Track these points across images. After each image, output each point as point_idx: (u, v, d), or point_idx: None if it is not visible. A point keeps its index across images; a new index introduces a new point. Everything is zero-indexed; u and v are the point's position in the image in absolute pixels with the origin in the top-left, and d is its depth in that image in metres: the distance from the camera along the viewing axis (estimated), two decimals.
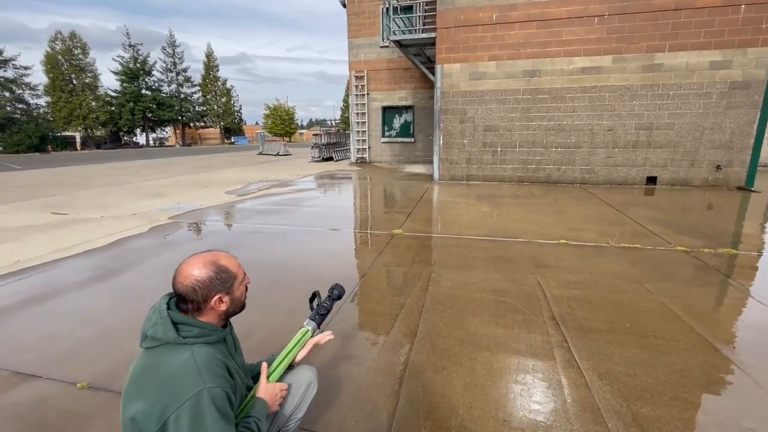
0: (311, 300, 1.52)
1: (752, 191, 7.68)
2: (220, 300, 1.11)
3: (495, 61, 8.53)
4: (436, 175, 9.49)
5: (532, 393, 1.89)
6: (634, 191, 7.85)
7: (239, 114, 55.21)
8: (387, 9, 10.16)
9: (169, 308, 1.08)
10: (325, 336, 1.46)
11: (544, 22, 8.07)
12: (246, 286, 1.22)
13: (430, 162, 9.76)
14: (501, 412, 1.77)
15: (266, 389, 1.21)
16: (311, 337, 1.43)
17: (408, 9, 11.80)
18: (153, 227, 5.16)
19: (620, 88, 8.03)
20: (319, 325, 1.47)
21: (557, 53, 8.16)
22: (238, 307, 1.20)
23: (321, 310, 1.48)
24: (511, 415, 1.75)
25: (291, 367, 1.40)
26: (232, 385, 1.05)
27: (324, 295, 1.56)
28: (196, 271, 1.07)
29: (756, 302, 2.88)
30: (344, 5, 14.22)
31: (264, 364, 1.28)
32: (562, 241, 4.39)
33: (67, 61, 35.62)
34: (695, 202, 6.78)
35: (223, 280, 1.11)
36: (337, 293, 1.55)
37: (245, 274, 1.21)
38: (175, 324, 1.04)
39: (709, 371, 2.04)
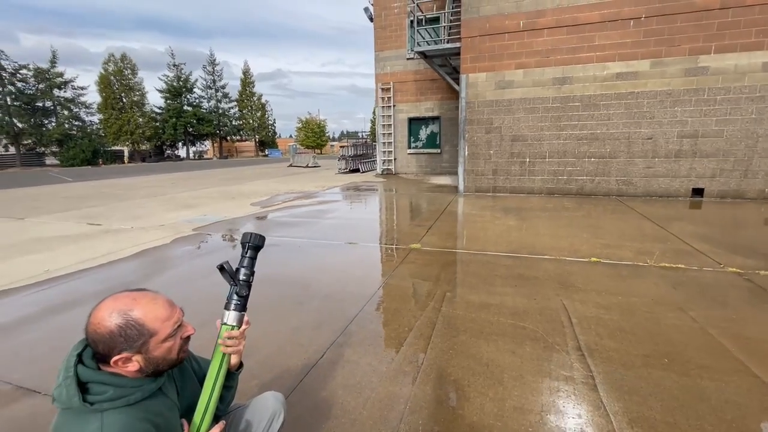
0: (221, 272, 1.10)
1: None
2: (126, 359, 0.90)
3: (522, 69, 8.24)
4: (461, 187, 9.23)
5: None
6: (678, 204, 7.24)
7: (273, 127, 57.15)
8: (412, 21, 10.15)
9: (80, 359, 0.90)
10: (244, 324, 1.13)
11: (574, 27, 7.73)
12: (184, 339, 1.00)
13: (457, 173, 9.52)
14: None
15: None
16: (238, 330, 1.10)
17: (434, 20, 11.74)
18: (176, 239, 5.27)
19: (660, 94, 7.50)
20: (243, 309, 1.11)
21: (589, 59, 7.76)
22: (165, 365, 0.96)
23: (241, 287, 1.10)
24: None
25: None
26: None
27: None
28: (101, 319, 0.89)
29: None
30: (371, 19, 14.40)
31: (184, 424, 1.03)
32: (593, 259, 4.04)
33: (117, 81, 38.35)
34: (749, 217, 6.13)
35: (128, 337, 0.89)
36: (252, 246, 1.13)
37: (179, 327, 0.98)
38: (83, 384, 0.87)
39: (767, 421, 1.72)
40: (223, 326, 1.10)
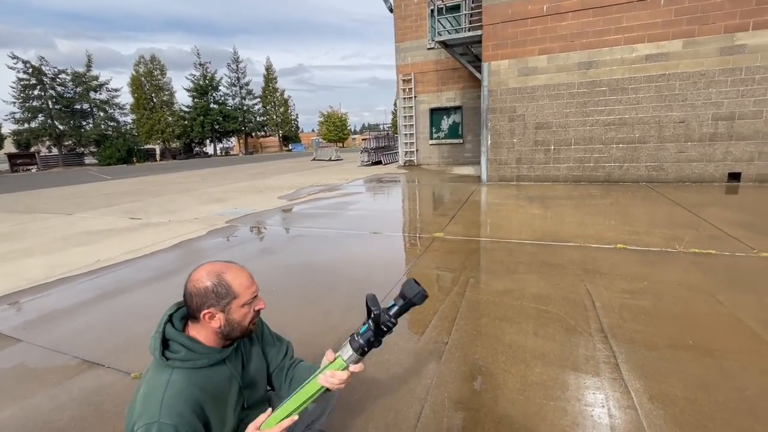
0: (368, 308, 1.03)
1: None
2: (212, 315, 1.05)
3: (546, 54, 8.06)
4: (484, 177, 9.19)
5: (568, 411, 1.73)
6: (712, 189, 6.96)
7: (296, 122, 57.94)
8: (432, 10, 10.08)
9: (171, 319, 1.09)
10: (355, 368, 1.08)
11: (600, 9, 7.48)
12: (256, 311, 1.13)
13: (479, 163, 9.47)
14: (532, 430, 1.65)
15: None
16: (345, 369, 1.05)
17: (454, 8, 11.60)
18: (211, 230, 5.57)
19: (693, 75, 7.19)
20: (362, 355, 1.03)
21: (617, 41, 7.51)
22: (237, 331, 1.10)
23: (376, 333, 1.02)
24: None
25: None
26: (193, 426, 0.96)
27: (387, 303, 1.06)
28: (200, 278, 1.06)
29: None
30: (391, 10, 14.35)
31: (266, 413, 1.06)
32: (619, 245, 4.01)
33: (148, 81, 39.86)
34: None
35: (218, 295, 1.05)
36: (404, 304, 1.02)
37: (255, 298, 1.12)
38: (166, 340, 1.05)
39: None
40: (338, 359, 1.04)
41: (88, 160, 35.79)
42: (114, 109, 37.29)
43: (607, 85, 7.77)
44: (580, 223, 5.01)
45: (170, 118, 41.03)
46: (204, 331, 1.09)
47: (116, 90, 37.19)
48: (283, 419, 1.03)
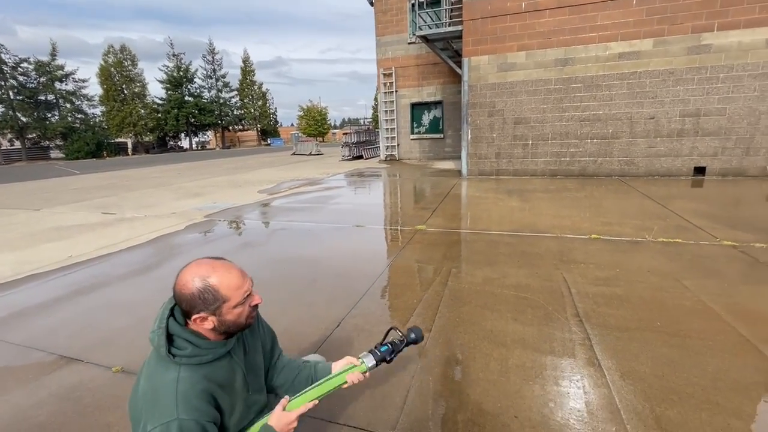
0: (387, 333, 1.40)
1: None
2: (203, 319, 1.03)
3: (524, 51, 8.23)
4: (464, 171, 9.33)
5: (547, 390, 1.82)
6: (680, 183, 7.32)
7: (274, 116, 56.94)
8: (413, 4, 10.09)
9: (172, 313, 1.07)
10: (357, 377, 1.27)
11: (576, 8, 7.69)
12: (252, 307, 1.13)
13: (460, 158, 9.60)
14: (512, 408, 1.73)
15: (279, 418, 1.12)
16: (365, 373, 1.29)
17: (435, 3, 11.63)
18: (189, 225, 5.46)
19: (662, 73, 7.50)
20: (377, 364, 1.30)
21: (591, 39, 7.74)
22: (235, 328, 1.10)
23: (388, 354, 1.31)
24: (523, 412, 1.70)
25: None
26: (211, 416, 1.00)
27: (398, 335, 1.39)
28: (185, 282, 1.03)
29: None
30: (371, 3, 14.27)
31: (285, 398, 1.18)
32: (593, 236, 4.18)
33: (118, 72, 38.23)
34: (750, 194, 6.22)
35: (205, 301, 1.02)
36: (413, 337, 1.37)
37: (249, 295, 1.11)
38: (170, 335, 1.03)
39: (749, 374, 1.88)
40: (363, 365, 1.29)
41: (55, 154, 34.13)
42: (82, 101, 35.57)
43: (582, 81, 8.01)
44: (557, 215, 5.18)
45: (143, 111, 39.55)
46: (203, 329, 1.08)
47: (84, 81, 35.47)
48: (308, 402, 1.17)
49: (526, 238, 4.21)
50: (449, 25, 9.74)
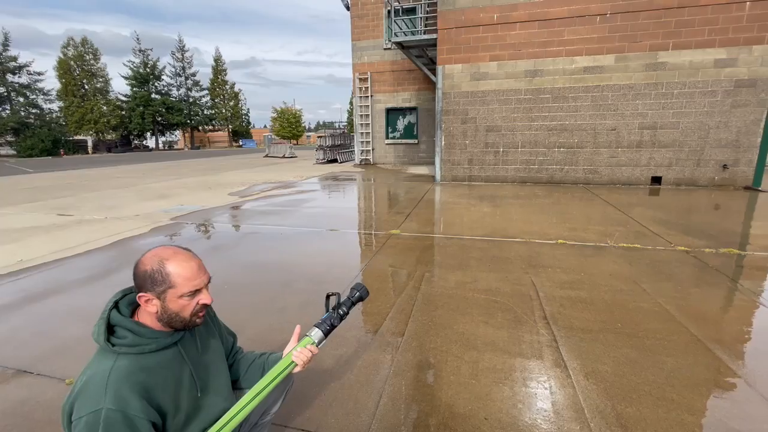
0: (327, 299, 1.32)
1: (759, 191, 7.53)
2: (147, 300, 1.02)
3: (496, 61, 8.50)
4: (437, 176, 9.47)
5: (516, 392, 1.87)
6: (639, 191, 7.75)
7: (247, 117, 55.76)
8: (389, 11, 10.20)
9: (117, 305, 1.05)
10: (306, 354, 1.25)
11: (545, 22, 8.03)
12: (200, 305, 1.08)
13: (434, 163, 9.74)
14: (483, 410, 1.76)
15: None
16: (315, 345, 1.26)
17: (411, 11, 11.82)
18: (154, 228, 5.23)
19: (623, 88, 7.95)
20: (327, 335, 1.28)
21: (559, 53, 8.10)
22: (178, 321, 1.06)
23: (334, 318, 1.28)
24: (493, 414, 1.73)
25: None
26: (144, 411, 0.94)
27: (344, 297, 1.35)
28: (144, 260, 1.03)
29: (753, 302, 2.83)
30: (348, 8, 14.30)
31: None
32: (560, 241, 4.35)
33: (78, 66, 36.32)
34: (700, 202, 6.67)
35: (154, 281, 1.01)
36: (358, 295, 1.35)
37: (198, 291, 1.07)
38: (112, 326, 1.01)
39: (699, 372, 2.00)
40: (307, 338, 1.26)
41: (5, 150, 31.85)
42: (37, 95, 33.47)
43: (550, 93, 8.35)
44: (526, 221, 5.35)
45: (105, 107, 37.72)
46: (149, 316, 1.05)
47: (39, 73, 33.43)
48: (256, 396, 1.15)
49: (497, 243, 4.32)
50: (424, 33, 9.92)
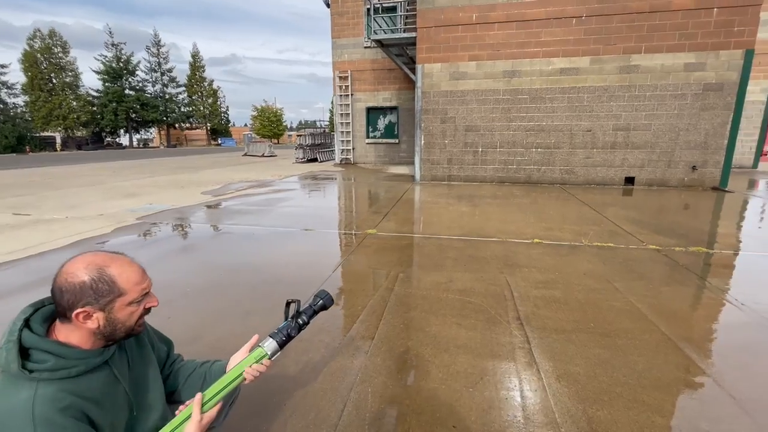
0: (287, 306, 1.19)
1: (726, 191, 7.80)
2: (87, 315, 0.88)
3: (475, 61, 8.51)
4: (417, 176, 9.42)
5: (487, 397, 1.80)
6: (613, 191, 7.90)
7: (226, 115, 54.60)
8: (369, 9, 10.10)
9: (27, 323, 0.88)
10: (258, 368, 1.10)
11: (523, 23, 8.09)
12: (146, 309, 0.99)
13: (414, 163, 9.70)
14: (452, 418, 1.67)
15: (197, 427, 0.97)
16: (268, 359, 1.12)
17: (391, 9, 11.75)
18: (118, 228, 4.96)
19: (598, 89, 8.09)
20: (282, 346, 1.15)
21: (536, 54, 8.18)
22: (121, 331, 0.95)
23: (292, 328, 1.15)
24: (462, 421, 1.66)
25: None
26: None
27: (307, 304, 1.22)
28: (74, 270, 0.88)
29: (722, 300, 2.86)
30: (328, 5, 14.12)
31: (198, 396, 1.02)
32: (536, 240, 4.34)
33: (46, 59, 34.72)
34: (671, 202, 6.84)
35: (98, 291, 0.88)
36: (321, 304, 1.22)
37: (147, 295, 0.98)
38: (25, 349, 0.85)
39: (669, 371, 1.98)
40: (259, 349, 1.12)
41: None
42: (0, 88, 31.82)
43: (528, 93, 8.42)
44: (503, 220, 5.34)
45: (75, 103, 36.19)
46: (78, 333, 0.91)
47: (3, 66, 31.79)
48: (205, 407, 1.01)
49: (474, 243, 4.28)
50: (404, 32, 9.86)
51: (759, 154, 12.86)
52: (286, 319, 1.18)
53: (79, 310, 0.87)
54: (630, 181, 8.41)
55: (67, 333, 0.91)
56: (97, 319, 0.90)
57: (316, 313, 1.22)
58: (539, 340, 2.29)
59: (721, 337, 2.36)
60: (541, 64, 8.20)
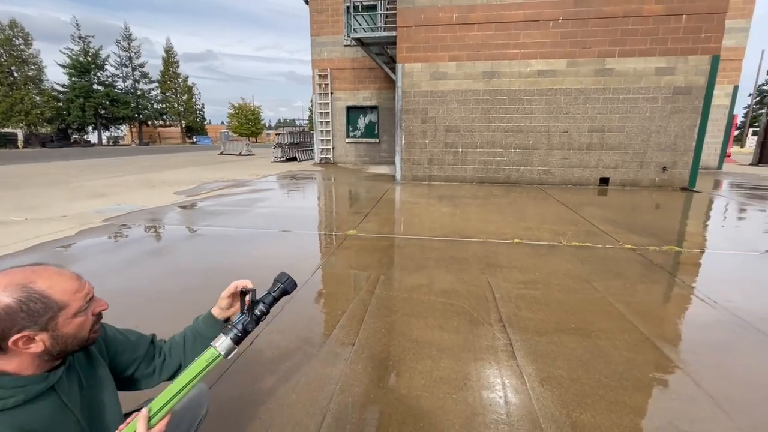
0: (242, 297, 1.06)
1: (694, 191, 8.12)
2: (28, 339, 0.77)
3: (455, 61, 8.54)
4: (398, 176, 9.39)
5: (471, 404, 1.75)
6: (588, 191, 8.09)
7: (202, 112, 53.14)
8: (348, 7, 9.98)
9: None
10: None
11: (502, 25, 8.17)
12: (96, 315, 0.89)
13: (395, 162, 9.65)
14: (435, 427, 1.62)
15: None
16: (223, 359, 0.97)
17: (371, 8, 11.66)
18: (82, 230, 4.68)
19: (574, 92, 8.26)
20: (238, 342, 1.00)
21: (515, 55, 8.28)
22: (75, 344, 0.85)
23: (248, 322, 1.01)
24: (446, 430, 1.60)
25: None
26: None
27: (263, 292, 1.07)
28: None
29: (696, 298, 2.93)
30: (307, 2, 13.90)
31: (144, 410, 0.88)
32: (516, 240, 4.36)
33: (6, 51, 32.84)
34: (643, 202, 7.05)
35: (31, 312, 0.77)
36: (281, 289, 1.07)
37: (92, 300, 0.88)
38: None
39: (649, 371, 1.99)
40: (211, 350, 0.97)
41: None
42: None
43: (507, 95, 8.51)
44: (484, 221, 5.36)
45: (38, 98, 34.39)
46: (16, 359, 0.79)
47: None
48: (163, 407, 0.89)
49: (455, 243, 4.26)
50: (384, 30, 9.79)
51: (723, 155, 13.50)
52: (242, 311, 1.03)
53: (16, 336, 0.76)
54: (605, 181, 8.63)
55: (2, 363, 0.79)
56: (41, 341, 0.79)
57: (276, 300, 1.07)
58: (522, 342, 2.26)
59: (696, 336, 2.40)
60: (520, 65, 8.31)
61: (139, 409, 0.92)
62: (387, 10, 10.23)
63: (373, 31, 10.19)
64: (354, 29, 9.91)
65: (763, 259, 3.82)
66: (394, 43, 9.18)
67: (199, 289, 3.03)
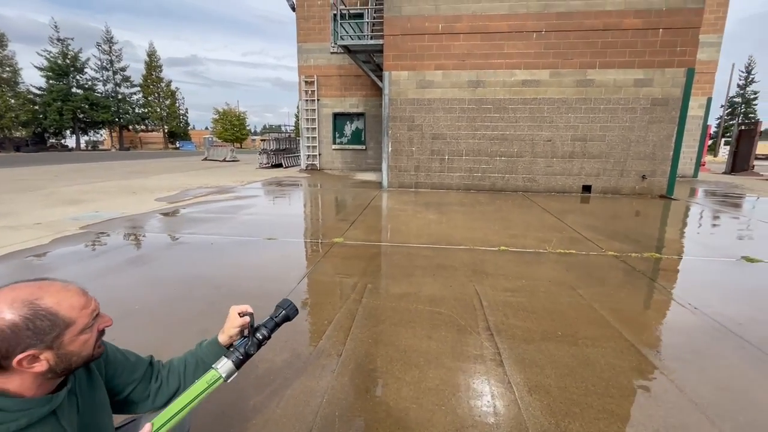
0: (242, 331, 1.09)
1: (672, 199, 8.36)
2: (33, 358, 0.74)
3: (441, 70, 8.65)
4: (384, 183, 9.39)
5: (459, 415, 1.73)
6: (571, 199, 8.24)
7: (185, 118, 52.32)
8: (335, 15, 10.02)
9: None
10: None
11: (487, 35, 8.32)
12: (100, 332, 0.87)
13: (381, 169, 9.66)
14: None
15: None
16: (223, 382, 0.99)
17: (357, 16, 11.75)
18: (57, 239, 4.51)
19: (557, 101, 8.45)
20: (239, 366, 1.02)
21: (500, 65, 8.43)
22: (79, 361, 0.82)
23: (249, 345, 1.04)
24: None
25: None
26: None
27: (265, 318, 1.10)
28: (1, 312, 0.71)
29: (677, 304, 2.98)
30: (293, 9, 13.91)
31: (147, 426, 0.87)
32: (502, 248, 4.39)
33: None
34: (624, 210, 7.22)
35: (38, 330, 0.73)
36: (283, 314, 1.10)
37: (98, 316, 0.85)
38: None
39: (634, 378, 2.01)
40: (212, 371, 0.98)
41: None
42: None
43: (492, 103, 8.65)
44: (470, 228, 5.38)
45: (12, 101, 33.32)
46: (18, 379, 0.75)
47: None
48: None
49: (442, 251, 4.26)
50: (371, 39, 9.85)
51: (699, 164, 13.99)
52: (242, 335, 1.07)
53: (21, 356, 0.72)
54: (587, 189, 8.82)
55: (3, 381, 0.75)
56: (46, 360, 0.76)
57: (278, 325, 1.10)
58: (509, 351, 2.26)
59: (678, 342, 2.44)
60: (505, 75, 8.46)
61: (133, 420, 0.92)
62: (374, 18, 10.31)
63: (360, 39, 10.24)
64: (341, 37, 9.94)
65: (739, 265, 3.94)
66: (381, 51, 9.24)
67: (181, 300, 2.94)
